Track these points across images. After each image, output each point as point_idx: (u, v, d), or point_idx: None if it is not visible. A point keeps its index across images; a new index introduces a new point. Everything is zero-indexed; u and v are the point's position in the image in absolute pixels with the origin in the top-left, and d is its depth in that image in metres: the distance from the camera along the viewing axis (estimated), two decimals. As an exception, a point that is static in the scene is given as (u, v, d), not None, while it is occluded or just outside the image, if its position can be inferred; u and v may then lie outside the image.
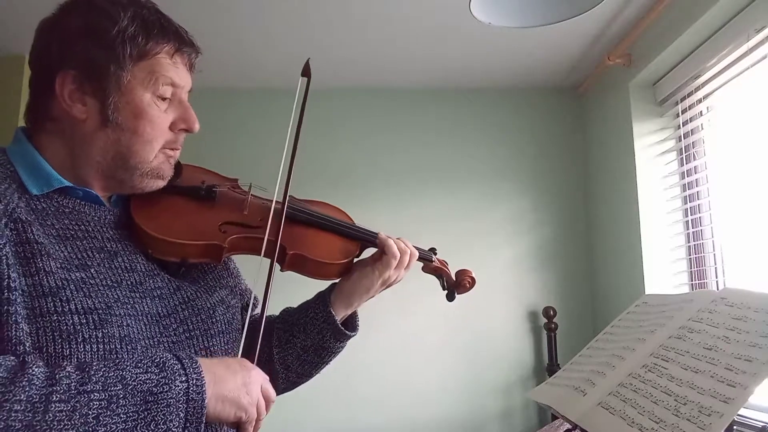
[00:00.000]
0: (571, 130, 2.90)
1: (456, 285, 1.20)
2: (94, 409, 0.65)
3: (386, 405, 2.63)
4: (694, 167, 2.19)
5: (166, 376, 0.70)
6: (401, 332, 2.65)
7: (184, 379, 0.70)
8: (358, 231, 1.09)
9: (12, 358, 0.66)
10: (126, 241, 0.87)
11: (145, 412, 0.67)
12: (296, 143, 1.01)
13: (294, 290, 1.15)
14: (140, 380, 0.68)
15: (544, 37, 2.36)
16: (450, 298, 1.21)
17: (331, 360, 1.08)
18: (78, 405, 0.64)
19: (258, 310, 1.11)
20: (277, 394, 1.08)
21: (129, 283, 0.82)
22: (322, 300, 1.06)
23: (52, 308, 0.72)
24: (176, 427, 0.68)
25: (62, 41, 0.82)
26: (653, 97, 2.37)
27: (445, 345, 2.67)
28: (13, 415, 0.60)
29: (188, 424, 0.69)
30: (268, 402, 0.80)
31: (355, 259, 1.08)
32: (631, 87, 2.37)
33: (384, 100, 2.89)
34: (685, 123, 2.20)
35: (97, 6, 0.83)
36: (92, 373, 0.67)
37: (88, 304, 0.75)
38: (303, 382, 1.09)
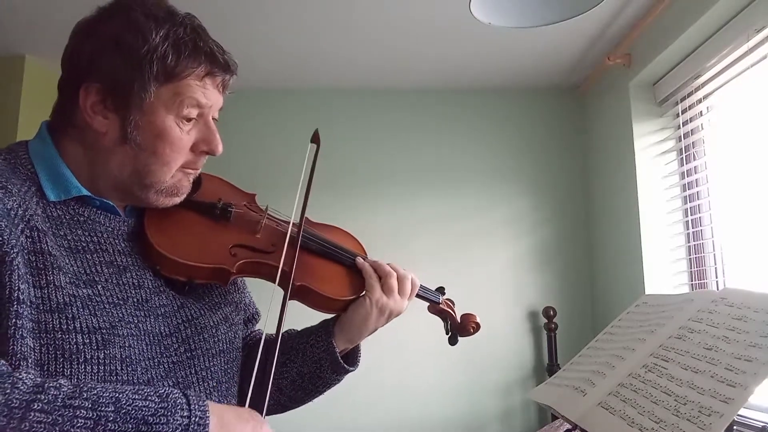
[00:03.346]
0: (571, 130, 2.90)
1: (460, 329, 1.17)
2: (77, 428, 0.60)
3: (385, 405, 2.63)
4: (694, 167, 2.19)
5: (166, 407, 0.65)
6: (400, 332, 2.64)
7: (186, 414, 0.65)
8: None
9: (4, 362, 0.64)
10: (136, 255, 0.85)
11: None
12: (305, 206, 0.98)
13: (300, 312, 1.13)
14: (136, 406, 0.64)
15: (544, 37, 2.36)
16: (452, 342, 1.17)
17: (325, 391, 1.04)
18: (60, 419, 0.60)
19: (259, 326, 1.09)
20: (266, 415, 1.07)
21: (135, 300, 0.81)
22: (325, 329, 1.02)
23: (57, 326, 0.71)
24: None
25: (93, 50, 0.80)
26: (653, 97, 2.36)
27: (444, 345, 2.66)
28: None
29: None
30: None
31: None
32: (631, 87, 2.37)
33: (384, 101, 2.89)
34: (685, 123, 2.20)
35: (132, 19, 0.80)
36: (85, 390, 0.63)
37: (92, 323, 0.74)
38: (293, 408, 1.06)
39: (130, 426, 0.62)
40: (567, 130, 2.90)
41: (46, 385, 0.62)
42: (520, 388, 2.67)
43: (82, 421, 0.61)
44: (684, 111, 2.20)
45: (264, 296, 0.90)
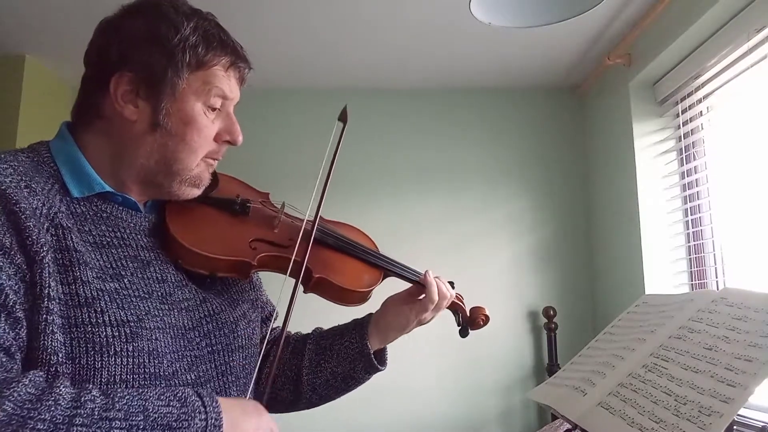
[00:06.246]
0: (571, 130, 2.90)
1: (470, 321, 1.21)
2: None
3: (385, 405, 2.63)
4: (694, 167, 2.19)
5: (186, 411, 0.71)
6: (401, 332, 2.64)
7: (203, 417, 0.72)
8: (383, 261, 1.09)
9: (41, 374, 0.67)
10: (158, 250, 0.88)
11: None
12: (326, 183, 0.99)
13: (316, 309, 1.13)
14: (161, 413, 0.69)
15: (544, 37, 2.36)
16: (463, 334, 1.22)
17: (354, 389, 1.09)
18: (99, 430, 0.65)
19: (277, 324, 1.10)
20: (297, 410, 1.10)
21: (159, 294, 0.83)
22: (359, 331, 1.06)
23: (87, 319, 0.73)
24: None
25: (123, 43, 0.83)
26: (653, 97, 2.36)
27: (444, 344, 2.66)
28: None
29: None
30: None
31: (376, 287, 1.07)
32: (631, 87, 2.37)
33: (384, 101, 2.89)
34: (685, 123, 2.20)
35: (161, 13, 0.84)
36: (116, 400, 0.68)
37: (120, 316, 0.76)
38: (321, 404, 1.11)
39: (158, 431, 0.68)
40: (567, 130, 2.90)
41: (82, 398, 0.66)
42: (520, 388, 2.67)
43: (117, 431, 0.66)
44: (684, 111, 2.20)
45: (284, 292, 0.91)
